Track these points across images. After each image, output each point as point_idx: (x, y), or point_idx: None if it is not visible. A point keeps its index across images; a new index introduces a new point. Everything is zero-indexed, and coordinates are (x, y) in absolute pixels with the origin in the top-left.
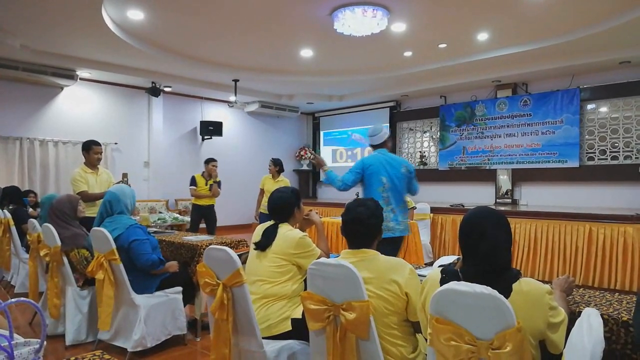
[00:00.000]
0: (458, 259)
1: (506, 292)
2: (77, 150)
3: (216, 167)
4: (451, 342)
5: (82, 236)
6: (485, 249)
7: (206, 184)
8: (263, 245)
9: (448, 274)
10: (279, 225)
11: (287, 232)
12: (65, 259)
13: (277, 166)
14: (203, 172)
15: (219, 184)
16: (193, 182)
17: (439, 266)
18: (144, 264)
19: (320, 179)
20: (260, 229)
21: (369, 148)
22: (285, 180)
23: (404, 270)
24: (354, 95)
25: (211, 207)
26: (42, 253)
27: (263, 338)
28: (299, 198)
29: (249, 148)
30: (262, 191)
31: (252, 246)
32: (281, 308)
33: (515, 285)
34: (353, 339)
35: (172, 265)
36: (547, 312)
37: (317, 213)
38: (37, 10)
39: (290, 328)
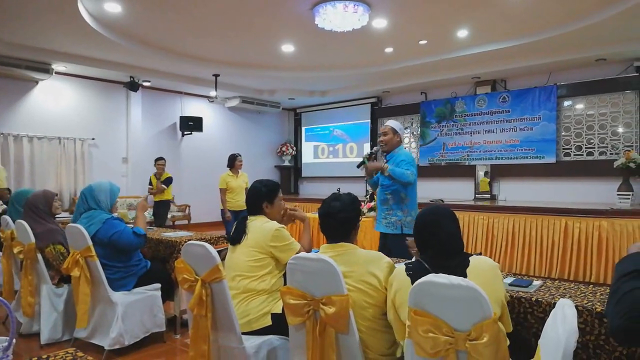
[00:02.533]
0: None
1: (464, 265)
2: (52, 146)
3: (162, 165)
4: (429, 333)
5: (57, 232)
6: (443, 239)
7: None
8: (233, 239)
9: (412, 266)
10: (249, 217)
11: (263, 224)
12: (39, 256)
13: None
14: (155, 172)
15: (166, 180)
16: (150, 182)
17: (405, 263)
18: (134, 249)
19: (369, 180)
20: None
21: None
22: (245, 173)
23: (382, 262)
24: (336, 91)
25: (162, 202)
26: (15, 250)
27: (243, 333)
28: (273, 192)
29: (229, 144)
30: (224, 190)
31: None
32: (261, 303)
33: (472, 259)
34: (332, 333)
35: (143, 208)
36: (502, 282)
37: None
38: (10, 1)
39: (270, 323)
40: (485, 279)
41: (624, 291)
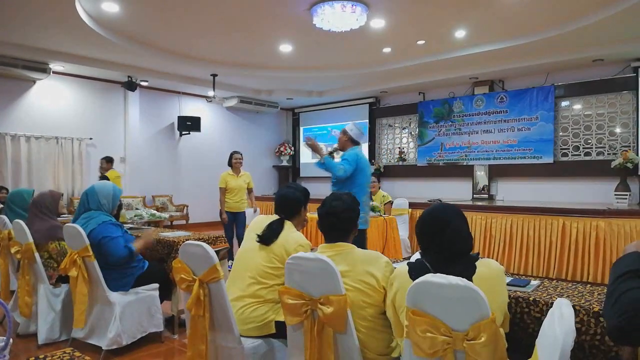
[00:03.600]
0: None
1: (471, 269)
2: (50, 145)
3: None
4: (427, 333)
5: (60, 228)
6: (450, 237)
7: None
8: (266, 238)
9: (414, 266)
10: (285, 221)
11: (290, 234)
12: (37, 256)
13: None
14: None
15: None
16: None
17: (408, 263)
18: (116, 262)
19: (304, 167)
20: (265, 219)
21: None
22: (247, 173)
23: (380, 262)
24: (334, 91)
25: None
26: (13, 250)
27: (244, 337)
28: (308, 197)
29: (227, 144)
30: (224, 190)
31: (254, 237)
32: (266, 312)
33: (478, 263)
34: (330, 332)
35: (147, 242)
36: (505, 288)
37: None
38: (8, 0)
39: (274, 331)
40: (489, 286)
41: (620, 292)
